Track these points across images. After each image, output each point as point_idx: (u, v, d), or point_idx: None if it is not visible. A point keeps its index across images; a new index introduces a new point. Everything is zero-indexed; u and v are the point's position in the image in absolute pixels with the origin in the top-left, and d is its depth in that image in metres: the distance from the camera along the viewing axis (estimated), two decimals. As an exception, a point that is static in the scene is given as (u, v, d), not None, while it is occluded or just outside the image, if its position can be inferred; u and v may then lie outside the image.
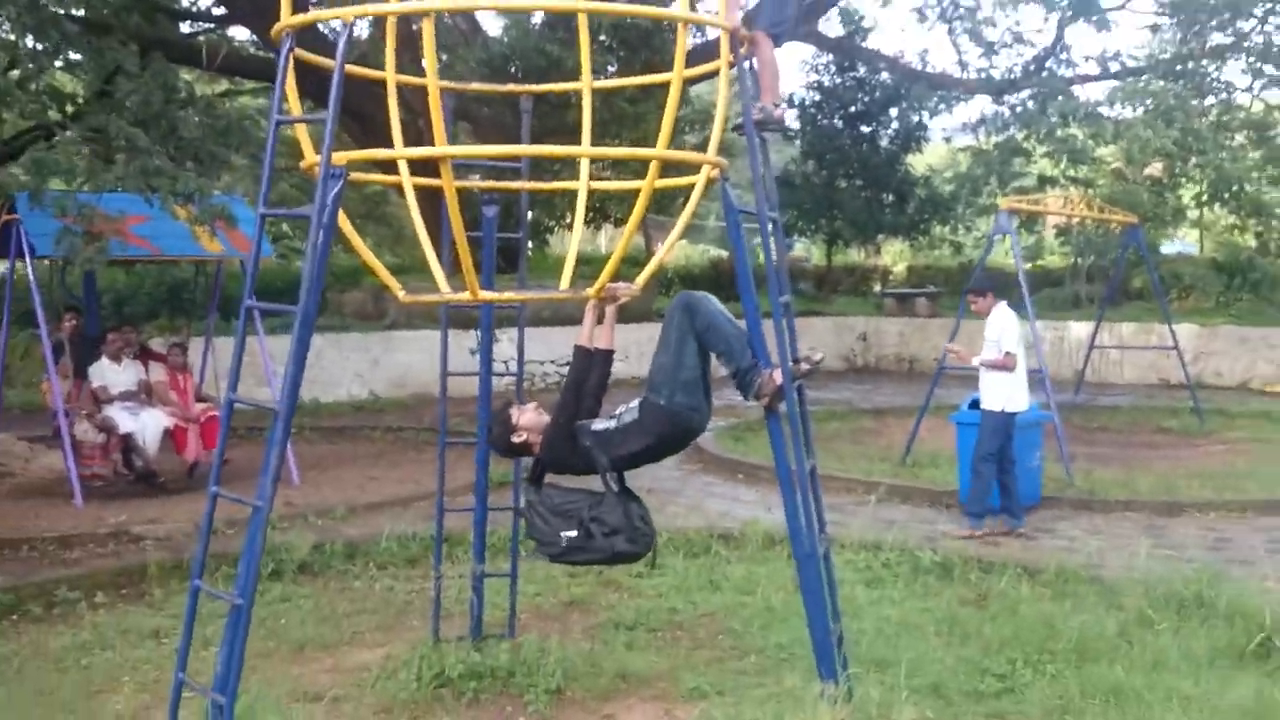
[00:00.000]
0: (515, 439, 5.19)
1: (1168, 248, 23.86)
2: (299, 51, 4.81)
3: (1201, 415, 14.63)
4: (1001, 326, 9.30)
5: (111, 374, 10.79)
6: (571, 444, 5.06)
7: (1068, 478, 10.89)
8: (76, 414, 10.58)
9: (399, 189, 5.17)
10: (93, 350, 11.11)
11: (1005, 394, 9.21)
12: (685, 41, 4.80)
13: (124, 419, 10.54)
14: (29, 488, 11.12)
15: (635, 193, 5.18)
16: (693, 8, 22.82)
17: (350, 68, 4.86)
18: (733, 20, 4.97)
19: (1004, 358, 9.19)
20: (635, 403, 5.07)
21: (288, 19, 4.63)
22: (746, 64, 5.18)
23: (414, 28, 14.10)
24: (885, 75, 26.27)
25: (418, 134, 16.98)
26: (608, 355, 5.28)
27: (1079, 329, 16.96)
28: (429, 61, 4.42)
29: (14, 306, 12.34)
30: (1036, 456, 10.20)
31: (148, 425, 10.61)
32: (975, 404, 9.65)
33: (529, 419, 5.17)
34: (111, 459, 10.70)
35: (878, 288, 29.63)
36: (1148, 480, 10.91)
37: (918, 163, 28.08)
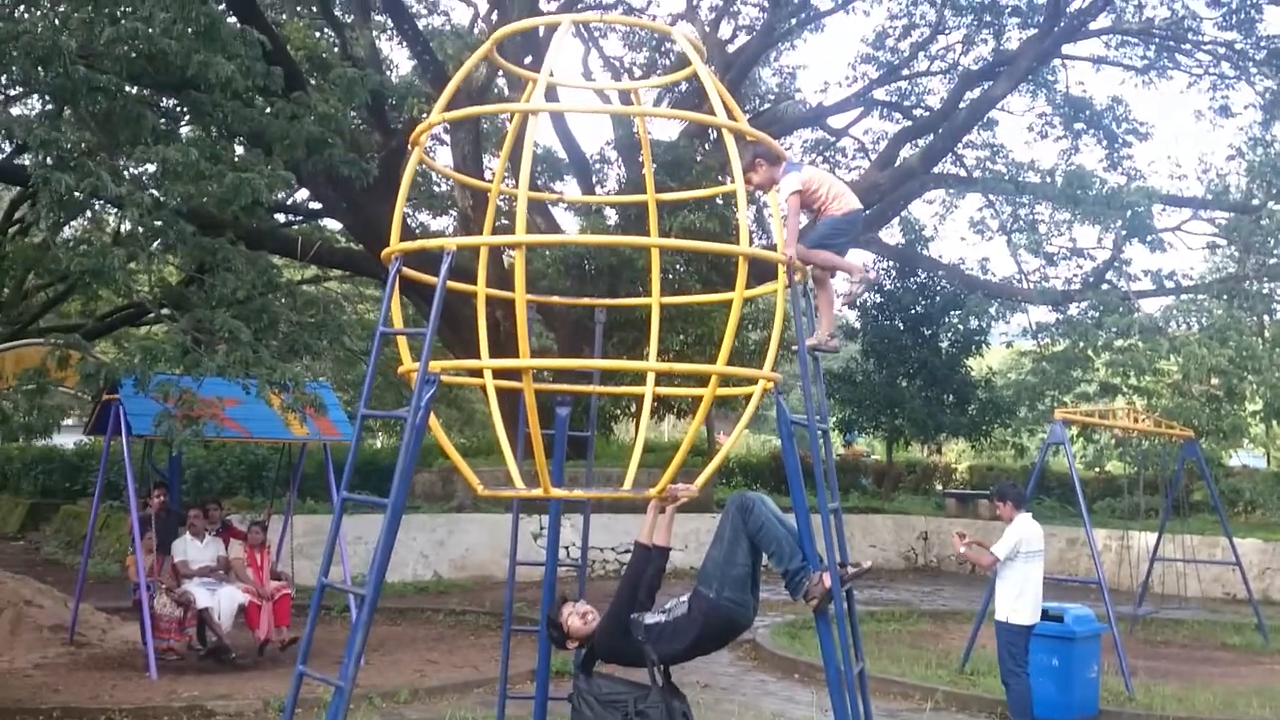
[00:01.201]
0: (568, 643, 5.54)
1: (1234, 460, 23.73)
2: (409, 271, 5.41)
3: (1266, 632, 14.39)
4: (1007, 532, 9.36)
5: (194, 550, 11.28)
6: (625, 637, 5.37)
7: (1128, 692, 10.79)
8: (157, 588, 11.02)
9: (482, 388, 5.68)
10: (176, 526, 11.65)
11: (1009, 605, 9.23)
12: (745, 270, 5.31)
13: (201, 594, 10.96)
14: (105, 659, 11.48)
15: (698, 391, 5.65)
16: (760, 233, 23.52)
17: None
18: (789, 254, 5.49)
19: (987, 556, 9.32)
20: (685, 596, 5.41)
21: (396, 245, 5.25)
22: (801, 289, 5.69)
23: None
24: (945, 282, 26.99)
25: (495, 324, 17.84)
26: (664, 552, 5.63)
27: (1143, 539, 16.89)
28: (519, 283, 4.94)
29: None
30: (1094, 668, 10.16)
31: (223, 601, 11.01)
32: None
33: (576, 626, 5.51)
34: (186, 633, 11.09)
35: (940, 486, 29.61)
36: (1207, 697, 10.76)
37: (978, 365, 28.46)
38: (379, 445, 30.21)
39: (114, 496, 18.05)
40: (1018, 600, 9.23)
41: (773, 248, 5.72)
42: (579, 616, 5.50)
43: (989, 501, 10.22)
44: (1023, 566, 9.27)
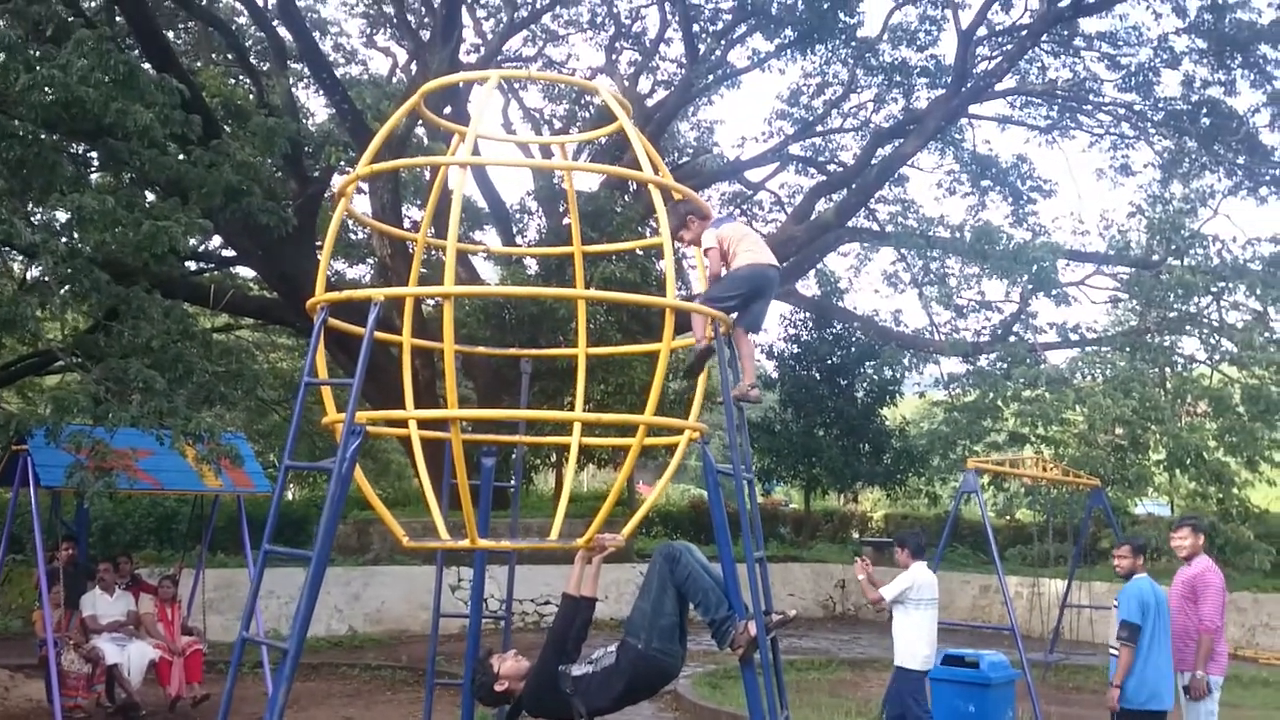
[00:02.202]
0: (498, 687, 5.48)
1: (1139, 508, 24.32)
2: (331, 320, 5.40)
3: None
4: (899, 578, 9.40)
5: (103, 604, 10.98)
6: (552, 689, 5.36)
7: (1041, 738, 10.97)
8: (64, 643, 10.68)
9: (401, 439, 5.67)
10: (85, 579, 11.32)
11: (904, 651, 9.30)
12: (671, 322, 5.41)
13: (111, 650, 10.65)
14: (8, 718, 11.06)
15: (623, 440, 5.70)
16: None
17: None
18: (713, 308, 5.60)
19: (874, 592, 9.42)
20: (613, 647, 5.42)
21: (322, 295, 5.25)
22: (724, 341, 5.80)
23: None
24: (860, 333, 27.50)
25: (414, 373, 17.72)
26: (591, 602, 5.65)
27: (1052, 586, 17.23)
28: (447, 334, 4.97)
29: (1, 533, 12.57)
30: (1008, 715, 10.30)
31: (133, 657, 10.71)
32: (950, 659, 9.82)
33: (509, 667, 5.48)
34: (95, 690, 10.75)
35: (856, 534, 29.92)
36: (1119, 742, 10.98)
37: (892, 415, 28.94)
38: (291, 497, 29.66)
39: (17, 550, 17.48)
40: (912, 646, 9.33)
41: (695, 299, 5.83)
42: (512, 658, 5.50)
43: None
44: (915, 613, 9.33)
